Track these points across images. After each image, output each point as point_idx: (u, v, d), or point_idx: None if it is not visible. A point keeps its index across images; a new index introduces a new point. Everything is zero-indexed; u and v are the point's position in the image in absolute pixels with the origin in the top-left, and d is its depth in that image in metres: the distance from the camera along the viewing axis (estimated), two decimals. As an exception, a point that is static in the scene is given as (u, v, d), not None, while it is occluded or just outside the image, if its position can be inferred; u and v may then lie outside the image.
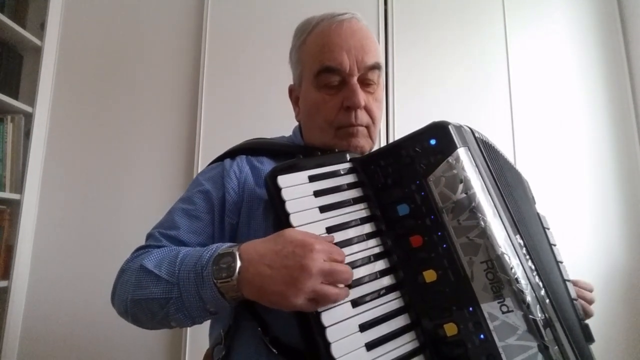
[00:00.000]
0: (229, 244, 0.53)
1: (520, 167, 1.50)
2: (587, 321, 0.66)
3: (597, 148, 1.51)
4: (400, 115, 1.47)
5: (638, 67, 1.53)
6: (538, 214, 0.75)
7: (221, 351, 0.62)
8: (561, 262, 0.70)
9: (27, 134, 1.48)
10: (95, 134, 1.54)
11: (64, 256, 1.45)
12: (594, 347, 0.62)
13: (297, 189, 0.54)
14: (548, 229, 0.74)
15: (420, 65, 1.53)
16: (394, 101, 1.48)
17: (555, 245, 0.73)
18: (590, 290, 0.72)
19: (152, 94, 1.55)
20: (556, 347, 0.47)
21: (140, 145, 1.52)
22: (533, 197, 0.79)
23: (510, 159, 1.47)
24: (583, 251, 1.42)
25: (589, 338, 0.62)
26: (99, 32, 1.60)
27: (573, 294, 0.66)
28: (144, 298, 0.53)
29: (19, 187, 1.45)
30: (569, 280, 0.69)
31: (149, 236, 0.64)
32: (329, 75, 0.65)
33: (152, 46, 1.58)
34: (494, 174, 0.57)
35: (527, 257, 0.52)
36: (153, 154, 1.51)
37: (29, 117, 1.49)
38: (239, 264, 0.48)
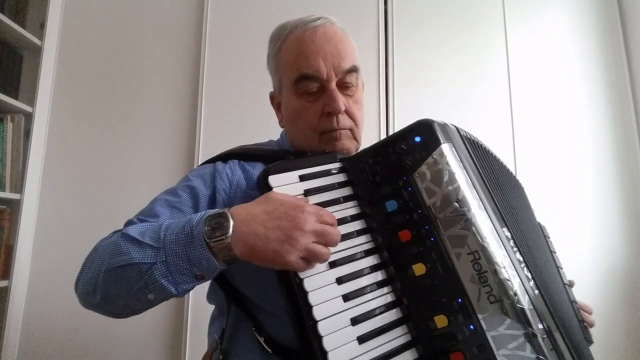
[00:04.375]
0: (217, 209, 0.53)
1: (520, 167, 1.51)
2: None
3: (597, 148, 1.51)
4: (400, 114, 1.47)
5: (638, 67, 1.53)
6: (539, 223, 0.75)
7: (218, 356, 0.62)
8: (561, 268, 0.72)
9: (27, 134, 1.48)
10: (95, 133, 1.54)
11: (64, 256, 1.45)
12: (593, 346, 0.62)
13: (288, 188, 0.55)
14: (548, 237, 0.75)
15: (420, 63, 1.53)
16: (394, 100, 1.49)
17: (555, 252, 0.74)
18: (590, 313, 0.73)
19: (152, 94, 1.55)
20: (545, 335, 0.48)
21: (140, 145, 1.52)
22: (532, 208, 0.80)
23: (510, 158, 1.48)
24: (583, 251, 1.42)
25: (588, 339, 0.62)
26: (99, 32, 1.60)
27: (573, 297, 0.67)
28: (122, 264, 0.50)
29: (19, 187, 1.45)
30: (569, 285, 0.70)
31: (128, 222, 0.62)
32: (307, 82, 0.66)
33: (152, 46, 1.58)
34: (479, 169, 0.58)
35: (515, 249, 0.54)
36: (153, 154, 1.51)
37: (29, 117, 1.49)
38: (232, 223, 0.48)
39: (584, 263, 1.41)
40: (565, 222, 1.44)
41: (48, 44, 1.55)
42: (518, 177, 1.45)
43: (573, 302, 0.68)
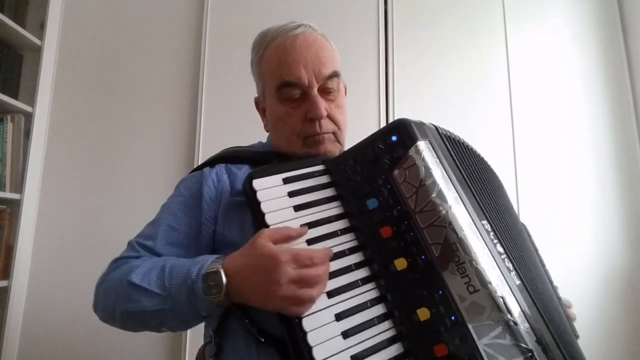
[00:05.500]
0: (212, 259, 0.56)
1: (521, 168, 1.51)
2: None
3: (597, 148, 1.51)
4: (400, 113, 1.47)
5: (638, 67, 1.52)
6: (522, 223, 0.76)
7: (212, 349, 0.64)
8: (545, 266, 0.73)
9: (27, 134, 1.49)
10: (95, 133, 1.54)
11: (64, 256, 1.46)
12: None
13: (272, 190, 0.57)
14: (530, 236, 0.76)
15: (420, 63, 1.53)
16: (394, 99, 1.49)
17: (538, 250, 0.75)
18: (570, 307, 0.74)
19: (152, 94, 1.55)
20: (527, 324, 0.49)
21: (140, 145, 1.52)
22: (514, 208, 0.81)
23: (510, 159, 1.48)
24: (583, 251, 1.42)
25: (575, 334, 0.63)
26: (99, 32, 1.61)
27: (559, 295, 0.67)
28: (136, 311, 0.56)
29: (19, 187, 1.45)
30: (554, 284, 0.71)
31: (128, 244, 0.67)
32: (290, 89, 0.68)
33: (152, 46, 1.58)
34: (459, 164, 0.60)
35: (496, 241, 0.55)
36: (153, 154, 1.51)
37: (29, 117, 1.49)
38: (224, 280, 0.52)
39: (584, 263, 1.41)
40: (565, 223, 1.44)
41: (48, 44, 1.55)
42: (518, 178, 1.46)
43: (559, 298, 0.68)
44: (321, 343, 0.48)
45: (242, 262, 0.53)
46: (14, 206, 1.44)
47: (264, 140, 0.82)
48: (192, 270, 0.54)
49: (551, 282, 0.71)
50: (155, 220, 0.68)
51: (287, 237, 0.54)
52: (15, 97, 1.49)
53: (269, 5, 1.55)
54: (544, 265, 0.73)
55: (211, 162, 0.73)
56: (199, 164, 0.76)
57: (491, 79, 1.53)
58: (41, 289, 1.44)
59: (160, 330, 0.59)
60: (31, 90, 1.51)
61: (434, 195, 0.53)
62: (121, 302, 0.57)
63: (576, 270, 1.39)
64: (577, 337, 0.65)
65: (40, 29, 1.56)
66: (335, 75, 0.69)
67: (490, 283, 0.49)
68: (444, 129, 0.64)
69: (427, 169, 0.55)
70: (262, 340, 0.57)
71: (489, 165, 0.72)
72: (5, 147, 1.43)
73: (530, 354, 0.47)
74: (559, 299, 0.68)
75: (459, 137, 0.66)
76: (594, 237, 1.44)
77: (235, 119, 1.48)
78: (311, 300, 0.50)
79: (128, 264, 0.61)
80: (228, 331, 0.63)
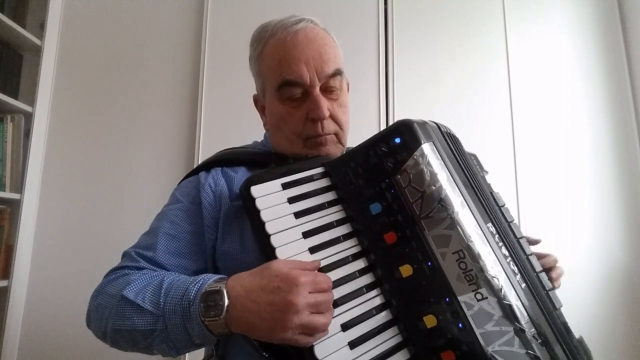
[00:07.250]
0: (215, 278, 0.52)
1: (520, 168, 1.51)
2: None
3: (597, 148, 1.50)
4: (400, 114, 1.47)
5: (638, 67, 1.52)
6: (492, 192, 0.72)
7: None
8: (522, 238, 0.69)
9: (27, 134, 1.48)
10: (95, 133, 1.54)
11: (64, 256, 1.45)
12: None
13: (270, 197, 0.55)
14: (504, 205, 0.72)
15: (420, 64, 1.52)
16: (394, 100, 1.48)
17: (512, 221, 0.72)
18: (555, 262, 0.70)
19: (152, 94, 1.55)
20: (533, 329, 0.48)
21: (140, 145, 1.52)
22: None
23: (510, 159, 1.48)
24: (583, 251, 1.42)
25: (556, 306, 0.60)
26: (99, 32, 1.60)
27: (538, 268, 0.65)
28: (126, 329, 0.52)
29: (19, 187, 1.45)
30: (531, 254, 0.67)
31: (124, 254, 0.63)
32: (291, 88, 0.65)
33: (152, 46, 1.58)
34: (462, 165, 0.58)
35: (500, 244, 0.54)
36: (153, 154, 1.51)
37: (29, 117, 1.49)
38: (226, 302, 0.48)
39: (584, 263, 1.41)
40: (565, 223, 1.44)
41: (48, 44, 1.55)
42: (518, 178, 1.46)
43: (539, 272, 0.65)
44: (328, 355, 0.47)
45: (250, 282, 0.49)
46: (14, 206, 1.44)
47: (260, 139, 0.80)
48: (190, 289, 0.50)
49: (527, 255, 0.67)
50: (153, 230, 0.64)
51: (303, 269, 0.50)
52: (15, 97, 1.49)
53: (269, 6, 1.55)
54: (521, 238, 0.69)
55: (206, 166, 0.70)
56: (194, 167, 0.73)
57: (491, 79, 1.52)
58: (41, 289, 1.44)
59: (151, 352, 0.53)
60: (31, 90, 1.51)
61: (440, 200, 0.52)
62: (113, 318, 0.53)
63: (576, 270, 1.39)
64: (558, 307, 0.62)
65: (40, 29, 1.56)
66: (338, 73, 0.66)
67: (498, 290, 0.49)
68: (445, 126, 0.62)
69: (433, 173, 0.53)
70: (266, 355, 0.55)
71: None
72: (5, 147, 1.43)
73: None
74: (540, 271, 0.65)
75: (453, 132, 0.65)
76: (594, 237, 1.44)
77: (236, 119, 1.48)
78: (324, 329, 0.47)
79: (125, 277, 0.57)
80: (229, 344, 0.61)
